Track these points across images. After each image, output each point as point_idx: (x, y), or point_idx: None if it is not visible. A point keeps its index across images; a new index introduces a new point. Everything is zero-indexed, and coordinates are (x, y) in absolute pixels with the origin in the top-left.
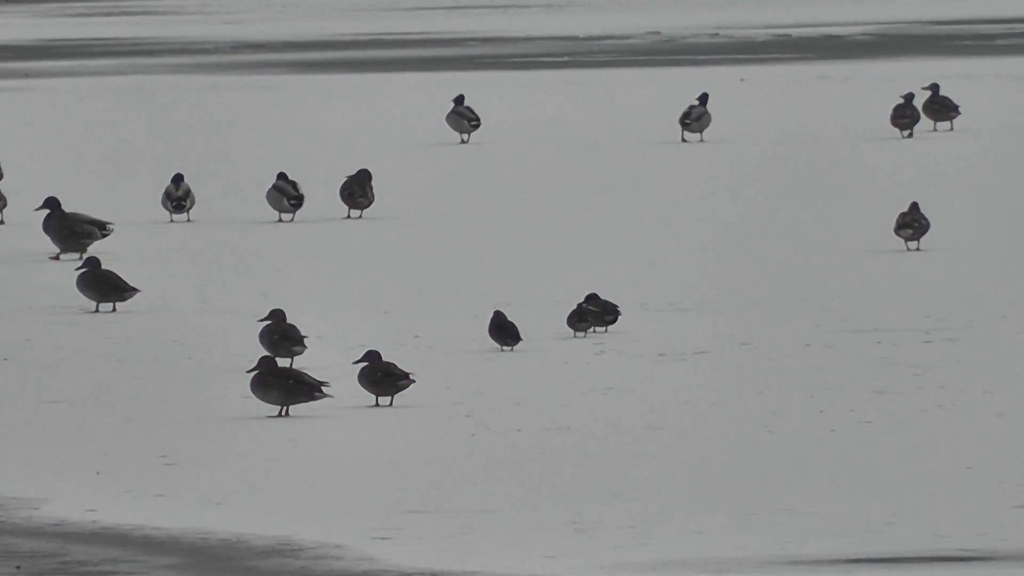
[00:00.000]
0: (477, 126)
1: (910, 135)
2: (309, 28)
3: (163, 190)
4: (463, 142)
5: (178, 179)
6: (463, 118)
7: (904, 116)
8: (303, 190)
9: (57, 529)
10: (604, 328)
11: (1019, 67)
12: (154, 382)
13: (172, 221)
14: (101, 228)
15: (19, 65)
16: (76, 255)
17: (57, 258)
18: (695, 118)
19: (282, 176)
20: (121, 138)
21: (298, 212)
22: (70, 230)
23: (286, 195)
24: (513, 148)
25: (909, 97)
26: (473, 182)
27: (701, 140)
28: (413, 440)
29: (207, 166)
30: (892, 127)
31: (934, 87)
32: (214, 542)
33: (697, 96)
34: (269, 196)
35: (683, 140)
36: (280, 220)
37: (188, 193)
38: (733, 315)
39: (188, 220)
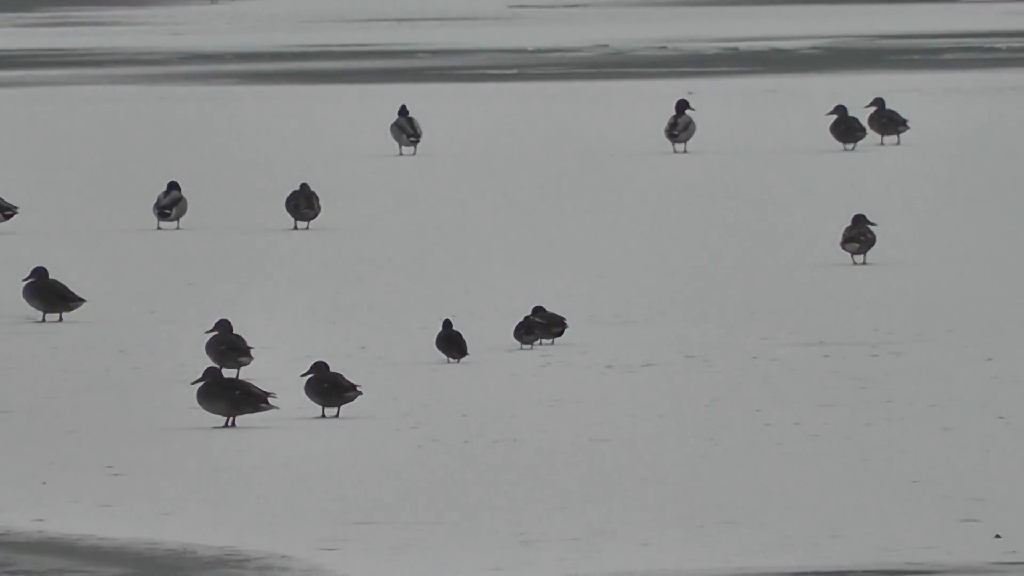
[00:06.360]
0: (416, 141)
1: (853, 148)
2: (257, 39)
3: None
4: (401, 154)
5: (172, 187)
6: (403, 132)
7: (859, 128)
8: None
9: (3, 539)
10: (551, 340)
11: (967, 81)
12: (100, 392)
13: (160, 229)
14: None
15: None
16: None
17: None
18: (682, 128)
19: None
20: (73, 148)
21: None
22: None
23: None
24: (461, 160)
25: (841, 110)
26: (421, 194)
27: (686, 151)
28: (359, 451)
29: (151, 176)
30: (836, 141)
31: (879, 101)
32: (161, 552)
33: (675, 105)
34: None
35: (674, 151)
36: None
37: (176, 202)
38: (680, 328)
39: (177, 228)
